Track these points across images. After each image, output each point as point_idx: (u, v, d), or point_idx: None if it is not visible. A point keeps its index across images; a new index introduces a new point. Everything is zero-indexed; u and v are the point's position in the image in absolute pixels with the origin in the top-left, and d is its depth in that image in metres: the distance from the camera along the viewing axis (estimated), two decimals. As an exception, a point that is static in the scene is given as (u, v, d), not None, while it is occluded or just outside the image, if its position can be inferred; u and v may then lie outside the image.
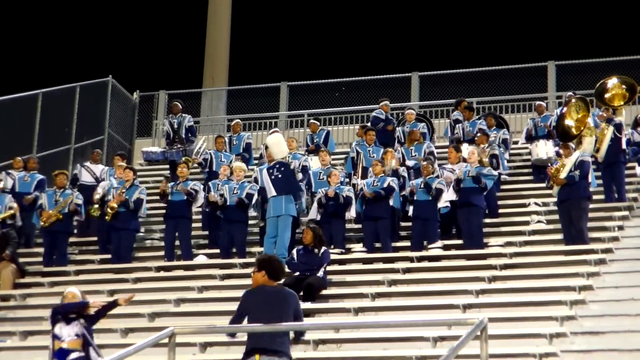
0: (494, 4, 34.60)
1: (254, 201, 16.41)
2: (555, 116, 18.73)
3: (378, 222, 15.84)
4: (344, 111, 24.47)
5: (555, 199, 15.82)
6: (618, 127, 17.15)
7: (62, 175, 17.61)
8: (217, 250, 16.70)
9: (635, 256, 14.59)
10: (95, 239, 18.00)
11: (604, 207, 16.61)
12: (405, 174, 17.08)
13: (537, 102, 20.48)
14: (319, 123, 21.30)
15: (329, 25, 36.40)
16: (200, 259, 16.52)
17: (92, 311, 10.75)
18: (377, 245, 15.95)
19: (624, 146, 17.22)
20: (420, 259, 15.33)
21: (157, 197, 17.55)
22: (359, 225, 16.64)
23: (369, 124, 20.08)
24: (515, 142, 20.49)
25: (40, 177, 18.52)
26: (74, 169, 19.85)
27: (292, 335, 9.30)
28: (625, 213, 16.34)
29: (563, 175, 15.29)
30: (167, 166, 20.87)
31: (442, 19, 36.01)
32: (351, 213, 16.20)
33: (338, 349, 12.82)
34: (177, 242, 16.75)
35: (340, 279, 14.91)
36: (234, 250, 16.42)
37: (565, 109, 17.20)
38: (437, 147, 19.83)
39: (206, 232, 17.51)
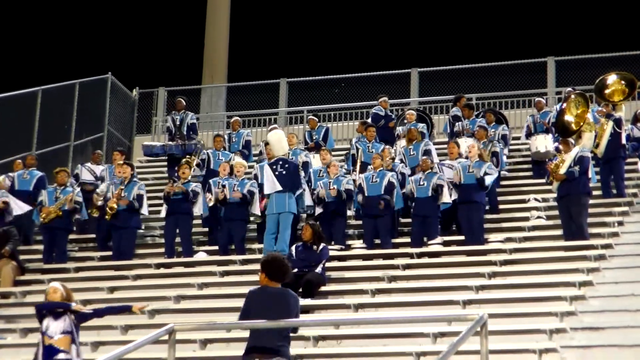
0: (494, 0, 34.60)
1: (256, 198, 16.36)
2: (554, 112, 18.73)
3: (378, 220, 15.83)
4: (344, 107, 24.46)
5: (555, 195, 15.82)
6: (617, 122, 17.15)
7: (62, 172, 17.60)
8: (217, 247, 16.70)
9: (635, 252, 14.59)
10: (93, 236, 17.99)
11: (603, 202, 16.62)
12: (405, 171, 17.05)
13: (537, 99, 20.47)
14: (317, 119, 21.30)
15: (328, 22, 36.39)
16: (200, 256, 16.52)
17: (74, 314, 10.60)
18: (377, 241, 15.95)
19: (623, 141, 17.21)
20: (420, 255, 15.33)
21: (157, 195, 17.53)
22: (359, 222, 16.63)
23: (369, 121, 20.07)
24: (517, 138, 20.49)
25: (40, 174, 18.49)
26: (75, 169, 19.79)
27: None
28: (625, 209, 16.34)
29: (562, 171, 15.28)
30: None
31: (442, 15, 36.00)
32: (353, 204, 16.21)
33: (338, 345, 12.82)
34: (177, 239, 16.75)
35: (340, 275, 14.91)
36: (233, 247, 16.42)
37: (564, 104, 17.20)
38: (436, 144, 19.85)
39: (206, 229, 17.51)
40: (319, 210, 16.22)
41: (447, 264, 14.97)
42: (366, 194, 15.99)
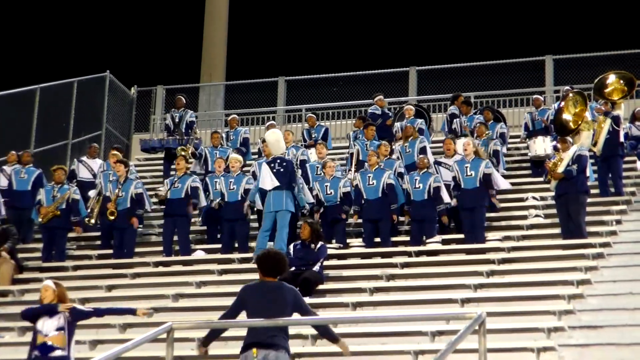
0: (492, -2, 34.62)
1: (251, 196, 16.35)
2: (552, 110, 18.73)
3: (379, 223, 15.83)
4: (342, 106, 24.47)
5: (553, 193, 15.82)
6: (616, 120, 17.14)
7: (60, 170, 17.56)
8: (216, 246, 16.70)
9: (633, 250, 14.59)
10: (91, 234, 17.98)
11: (601, 201, 16.62)
12: (401, 170, 17.01)
13: (535, 96, 20.49)
14: (316, 117, 21.29)
15: (327, 20, 36.38)
16: (199, 254, 16.51)
17: (61, 310, 10.53)
18: (377, 240, 15.94)
19: (621, 139, 17.21)
20: (419, 253, 15.33)
21: (155, 193, 17.51)
22: (359, 220, 16.59)
23: (369, 119, 20.02)
24: (517, 137, 20.49)
25: (37, 172, 18.40)
26: (72, 165, 19.78)
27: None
28: (623, 207, 16.34)
29: (561, 169, 15.28)
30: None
31: (440, 14, 35.99)
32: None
33: (336, 343, 12.79)
34: (175, 237, 16.74)
35: (339, 274, 14.91)
36: (236, 245, 16.43)
37: (562, 103, 17.20)
38: (434, 142, 19.84)
39: (204, 228, 17.50)
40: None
41: (445, 262, 14.96)
42: (365, 197, 15.99)
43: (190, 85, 26.59)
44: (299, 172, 16.61)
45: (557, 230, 15.49)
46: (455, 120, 19.75)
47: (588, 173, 15.58)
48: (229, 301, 13.59)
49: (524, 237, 15.78)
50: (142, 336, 8.15)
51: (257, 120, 24.75)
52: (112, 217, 16.59)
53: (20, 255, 16.94)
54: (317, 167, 17.17)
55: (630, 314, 12.47)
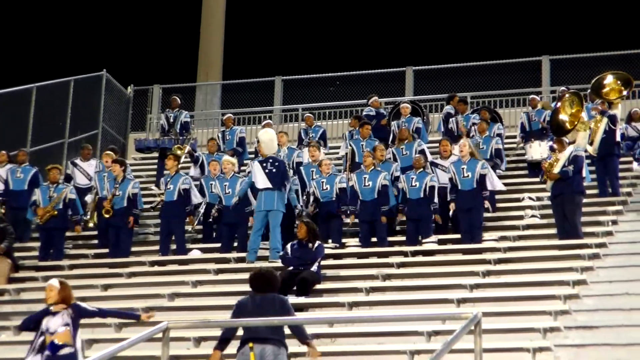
0: (489, -1, 34.63)
1: (241, 192, 16.31)
2: (549, 111, 18.73)
3: (375, 223, 15.83)
4: (339, 105, 24.47)
5: (549, 194, 15.83)
6: (612, 119, 17.14)
7: (55, 169, 17.50)
8: (211, 245, 16.69)
9: (629, 251, 14.61)
10: (88, 233, 17.97)
11: (597, 201, 16.64)
12: (398, 173, 16.97)
13: (531, 96, 20.49)
14: (314, 117, 21.27)
15: (324, 20, 36.38)
16: (195, 254, 16.50)
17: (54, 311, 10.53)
18: (373, 239, 15.95)
19: (618, 139, 17.21)
20: (415, 253, 15.33)
21: (150, 192, 17.51)
22: (356, 221, 16.59)
23: (365, 118, 19.99)
24: (513, 137, 20.49)
25: (33, 170, 18.37)
26: (67, 169, 19.59)
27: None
28: (619, 208, 16.35)
29: (556, 170, 15.29)
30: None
31: (437, 14, 36.00)
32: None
33: (332, 343, 12.81)
34: (173, 237, 16.72)
35: (335, 274, 14.91)
36: (235, 244, 16.43)
37: (559, 103, 17.21)
38: (430, 142, 19.81)
39: (200, 227, 17.48)
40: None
41: (441, 262, 14.96)
42: (360, 198, 15.98)
43: (186, 85, 26.61)
44: (291, 172, 16.54)
45: (553, 231, 15.50)
46: (451, 119, 19.73)
47: (584, 173, 15.58)
48: (225, 301, 13.72)
49: (520, 238, 15.78)
50: (137, 335, 8.14)
51: (253, 119, 24.74)
52: (107, 215, 16.57)
53: (16, 254, 16.92)
54: (312, 171, 17.02)
55: (626, 314, 12.48)
